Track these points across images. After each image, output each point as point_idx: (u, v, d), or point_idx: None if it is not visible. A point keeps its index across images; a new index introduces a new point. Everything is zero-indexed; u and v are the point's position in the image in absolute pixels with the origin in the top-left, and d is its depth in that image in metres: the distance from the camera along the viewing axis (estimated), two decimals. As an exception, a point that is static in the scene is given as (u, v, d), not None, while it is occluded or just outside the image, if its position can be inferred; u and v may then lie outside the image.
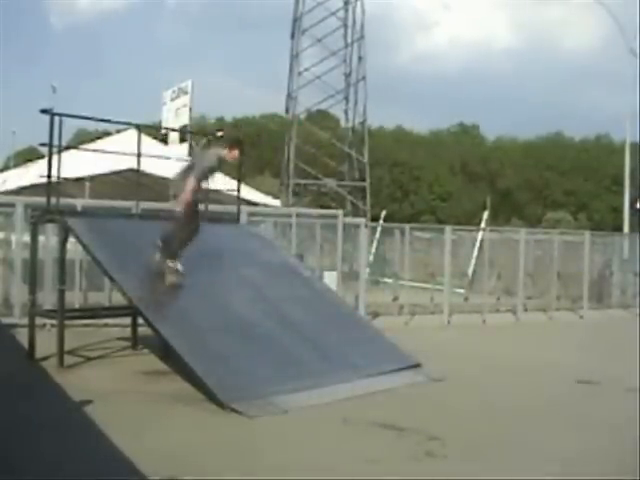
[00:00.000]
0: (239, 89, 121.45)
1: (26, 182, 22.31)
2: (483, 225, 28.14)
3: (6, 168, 53.16)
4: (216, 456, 6.76)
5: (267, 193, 30.19)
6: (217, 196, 15.54)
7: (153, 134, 27.99)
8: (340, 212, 18.45)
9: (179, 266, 10.68)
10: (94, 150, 16.61)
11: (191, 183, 10.38)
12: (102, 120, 13.54)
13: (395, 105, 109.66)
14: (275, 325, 10.50)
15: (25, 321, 11.63)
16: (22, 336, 11.58)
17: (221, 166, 11.15)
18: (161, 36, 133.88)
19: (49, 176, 10.86)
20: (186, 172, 10.69)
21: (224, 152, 10.78)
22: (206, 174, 10.72)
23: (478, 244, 22.82)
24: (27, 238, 12.59)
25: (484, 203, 50.62)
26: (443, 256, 18.56)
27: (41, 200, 11.60)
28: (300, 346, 10.22)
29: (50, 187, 10.95)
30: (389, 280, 19.57)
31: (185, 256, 11.06)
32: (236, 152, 10.89)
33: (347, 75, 41.06)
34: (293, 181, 39.37)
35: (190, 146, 30.13)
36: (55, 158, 10.88)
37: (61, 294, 10.66)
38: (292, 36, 41.44)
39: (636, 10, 30.48)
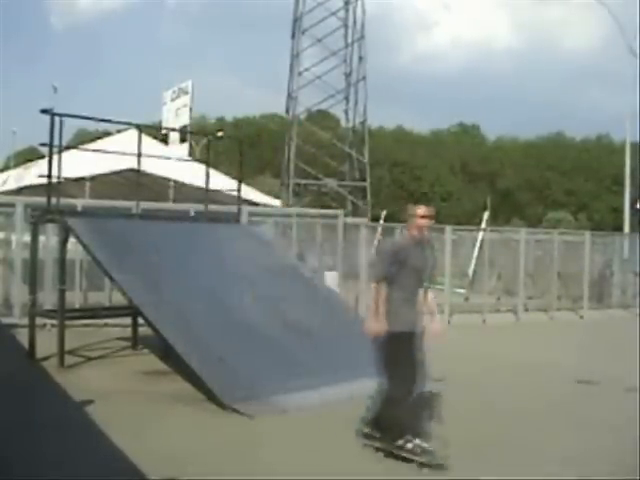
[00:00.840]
0: (239, 89, 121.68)
1: (26, 182, 22.30)
2: (483, 225, 28.12)
3: (6, 168, 53.17)
4: (217, 456, 6.77)
5: (267, 193, 30.18)
6: (218, 196, 15.57)
7: (153, 134, 28.01)
8: (340, 212, 18.46)
9: (422, 443, 6.82)
10: (94, 150, 16.61)
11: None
12: (102, 120, 13.54)
13: (395, 105, 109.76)
14: (275, 325, 10.49)
15: (25, 321, 11.65)
16: (22, 336, 11.59)
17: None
18: (161, 36, 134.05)
19: (49, 176, 10.87)
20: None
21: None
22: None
23: (478, 244, 22.80)
24: (27, 238, 12.60)
25: (484, 203, 50.63)
26: (443, 256, 18.54)
27: (41, 200, 11.62)
28: (300, 346, 10.22)
29: (50, 187, 10.96)
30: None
31: (185, 257, 11.10)
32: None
33: (347, 75, 41.06)
34: (293, 181, 39.37)
35: (190, 146, 30.18)
36: (55, 158, 10.89)
37: (61, 294, 10.68)
38: (292, 36, 41.46)
39: (636, 10, 30.44)
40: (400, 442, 6.79)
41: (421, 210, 7.43)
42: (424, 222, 7.38)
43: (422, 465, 6.63)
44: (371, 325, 6.87)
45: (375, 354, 6.94)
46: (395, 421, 6.86)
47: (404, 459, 6.72)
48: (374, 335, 6.84)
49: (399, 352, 6.88)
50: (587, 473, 6.54)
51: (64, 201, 11.87)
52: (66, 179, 12.29)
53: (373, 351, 6.93)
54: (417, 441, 6.78)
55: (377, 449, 6.95)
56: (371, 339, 6.91)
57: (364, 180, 40.21)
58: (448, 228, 19.04)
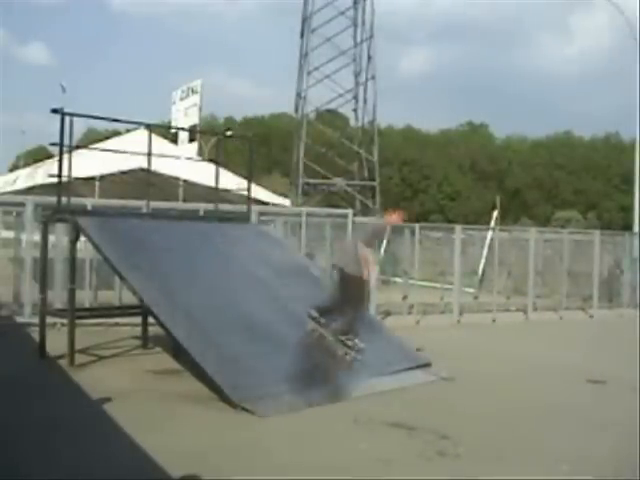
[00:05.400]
0: (248, 89, 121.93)
1: (36, 181, 22.35)
2: (493, 224, 28.08)
3: (16, 167, 53.32)
4: (228, 455, 6.78)
5: (277, 192, 30.16)
6: (227, 195, 15.58)
7: (163, 134, 28.02)
8: (350, 211, 18.43)
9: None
10: (104, 150, 16.64)
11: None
12: (113, 120, 13.54)
13: (404, 104, 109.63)
14: (285, 324, 10.51)
15: (36, 320, 11.68)
16: (33, 335, 11.62)
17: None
18: (171, 35, 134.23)
19: (59, 175, 10.89)
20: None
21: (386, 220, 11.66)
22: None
23: (488, 243, 22.76)
24: (37, 237, 12.62)
25: (493, 202, 50.55)
26: (453, 255, 18.54)
27: (51, 199, 11.65)
28: (310, 345, 10.24)
29: (60, 186, 10.98)
30: (399, 279, 19.53)
31: (196, 256, 11.15)
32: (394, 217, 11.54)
33: (356, 74, 41.04)
34: (303, 180, 39.35)
35: (200, 145, 30.19)
36: (65, 157, 10.91)
37: (71, 293, 10.69)
38: (301, 35, 41.46)
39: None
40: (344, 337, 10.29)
41: None
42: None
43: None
44: None
45: None
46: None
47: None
48: None
49: None
50: (592, 472, 6.55)
51: (74, 200, 11.89)
52: (76, 178, 12.31)
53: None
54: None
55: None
56: None
57: (373, 179, 40.17)
58: (458, 227, 19.01)
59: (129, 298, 12.72)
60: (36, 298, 12.16)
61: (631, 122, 29.28)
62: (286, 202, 30.54)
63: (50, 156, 30.88)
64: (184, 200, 22.76)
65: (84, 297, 13.97)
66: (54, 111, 10.71)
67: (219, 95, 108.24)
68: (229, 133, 25.43)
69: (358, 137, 42.05)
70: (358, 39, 40.99)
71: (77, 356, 10.49)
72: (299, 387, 9.08)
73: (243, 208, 13.96)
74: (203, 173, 19.44)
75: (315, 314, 10.50)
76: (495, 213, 30.85)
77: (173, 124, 30.07)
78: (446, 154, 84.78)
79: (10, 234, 15.82)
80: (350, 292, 10.47)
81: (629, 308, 21.64)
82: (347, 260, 10.69)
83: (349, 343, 10.36)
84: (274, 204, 24.67)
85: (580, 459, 6.96)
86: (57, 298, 13.43)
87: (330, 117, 52.49)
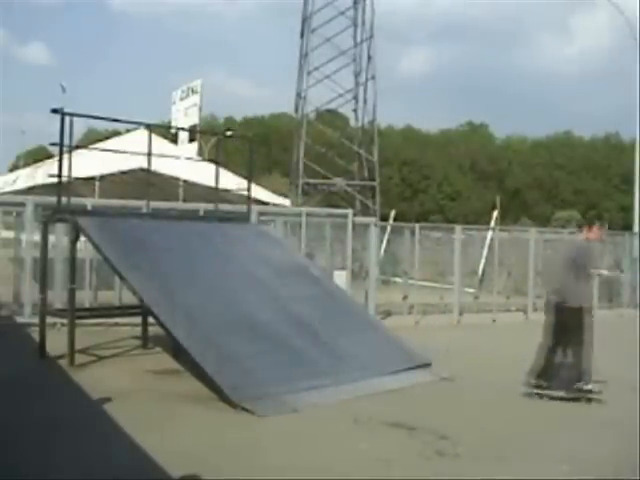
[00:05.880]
0: (249, 88, 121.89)
1: (36, 181, 22.36)
2: (493, 224, 28.05)
3: (16, 167, 53.30)
4: (228, 455, 6.78)
5: (276, 192, 30.16)
6: (227, 195, 15.58)
7: (163, 134, 28.00)
8: (350, 211, 18.44)
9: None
10: (104, 150, 16.64)
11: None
12: (113, 120, 13.55)
13: (404, 104, 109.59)
14: (285, 324, 10.50)
15: (36, 320, 11.67)
16: (33, 335, 11.62)
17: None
18: (171, 35, 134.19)
19: (59, 175, 10.89)
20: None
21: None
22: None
23: (488, 243, 22.76)
24: (37, 237, 12.62)
25: (493, 202, 50.48)
26: (453, 255, 18.53)
27: (51, 199, 11.66)
28: (310, 345, 10.22)
29: (61, 186, 10.99)
30: (399, 279, 19.54)
31: (196, 256, 11.13)
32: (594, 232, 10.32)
33: (356, 74, 40.98)
34: (303, 180, 39.27)
35: (200, 146, 30.17)
36: (65, 157, 10.91)
37: (71, 293, 10.70)
38: (301, 35, 41.37)
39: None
40: (579, 385, 9.38)
41: None
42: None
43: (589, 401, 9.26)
44: None
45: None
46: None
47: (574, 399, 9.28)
48: None
49: None
50: (592, 472, 6.55)
51: (74, 200, 11.90)
52: (76, 178, 12.31)
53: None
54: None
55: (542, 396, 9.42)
56: None
57: (373, 179, 40.09)
58: (458, 227, 19.02)
59: (129, 298, 12.73)
60: (36, 298, 12.17)
61: (631, 122, 29.29)
62: (286, 202, 30.55)
63: (50, 156, 30.88)
64: (184, 200, 22.77)
65: (84, 297, 13.98)
66: (54, 111, 10.72)
67: (219, 95, 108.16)
68: (229, 133, 25.45)
69: (358, 137, 41.97)
70: (358, 39, 40.87)
71: (77, 356, 10.50)
72: None
73: (243, 208, 13.97)
74: (203, 173, 19.44)
75: (533, 381, 9.67)
76: (495, 213, 30.78)
77: (173, 124, 30.05)
78: (446, 154, 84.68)
79: (10, 234, 15.84)
80: (571, 328, 9.86)
81: (629, 308, 21.63)
82: (563, 290, 9.98)
83: (585, 387, 9.50)
84: (274, 204, 24.68)
85: (580, 459, 6.96)
86: (57, 298, 13.44)
87: (330, 117, 52.36)
